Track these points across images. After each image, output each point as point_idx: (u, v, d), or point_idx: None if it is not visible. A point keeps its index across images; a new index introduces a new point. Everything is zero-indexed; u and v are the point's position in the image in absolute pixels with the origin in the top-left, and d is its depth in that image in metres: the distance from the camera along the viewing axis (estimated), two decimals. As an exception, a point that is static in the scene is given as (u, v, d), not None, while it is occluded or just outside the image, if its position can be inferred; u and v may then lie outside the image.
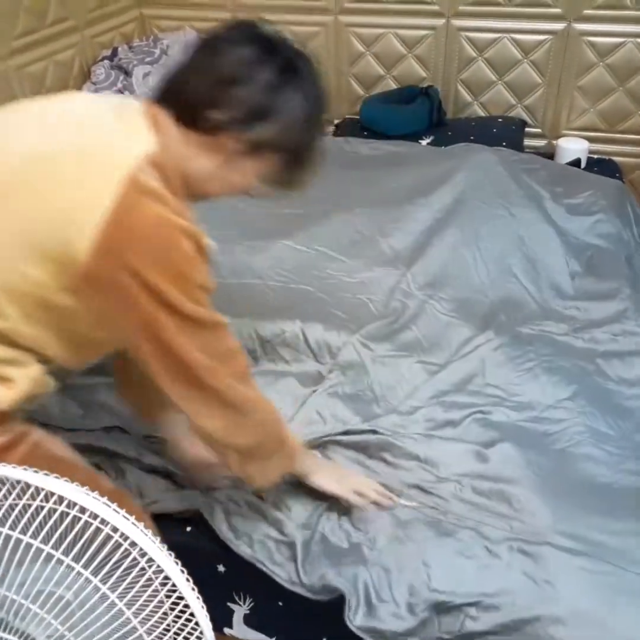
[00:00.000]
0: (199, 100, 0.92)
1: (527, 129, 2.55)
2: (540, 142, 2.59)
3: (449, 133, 2.47)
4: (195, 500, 1.21)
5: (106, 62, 2.44)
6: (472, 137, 2.37)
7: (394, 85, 2.65)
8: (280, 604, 1.17)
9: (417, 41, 2.54)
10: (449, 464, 1.23)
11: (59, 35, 2.27)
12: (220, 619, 1.23)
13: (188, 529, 1.20)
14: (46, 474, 0.63)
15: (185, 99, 0.93)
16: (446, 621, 1.05)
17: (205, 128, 0.93)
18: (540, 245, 1.84)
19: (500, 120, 2.54)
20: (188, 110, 0.92)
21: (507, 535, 1.12)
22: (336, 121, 2.73)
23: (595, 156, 2.48)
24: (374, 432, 1.29)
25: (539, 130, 2.58)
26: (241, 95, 0.91)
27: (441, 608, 1.05)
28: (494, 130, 2.46)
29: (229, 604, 1.22)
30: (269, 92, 0.92)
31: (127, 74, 2.41)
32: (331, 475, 1.17)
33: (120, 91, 2.36)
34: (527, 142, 2.52)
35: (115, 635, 0.61)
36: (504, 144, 2.33)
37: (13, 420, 0.94)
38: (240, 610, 1.23)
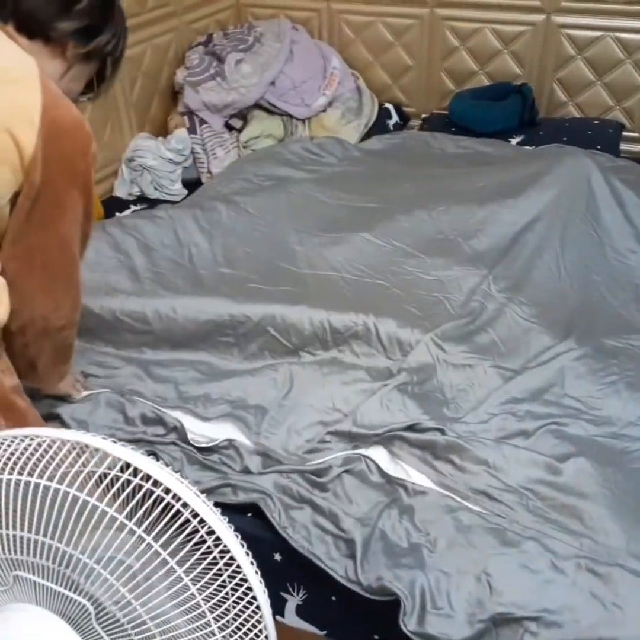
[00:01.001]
0: (48, 12, 1.04)
1: (624, 133, 2.44)
2: (638, 147, 2.47)
3: (541, 133, 2.39)
4: (251, 494, 1.22)
5: (201, 48, 2.49)
6: (564, 138, 2.29)
7: (486, 82, 2.59)
8: (334, 598, 1.17)
9: (514, 37, 2.47)
10: (519, 472, 1.20)
11: (159, 20, 2.33)
12: (273, 606, 1.24)
13: (248, 514, 1.21)
14: (123, 445, 0.64)
15: (30, 12, 1.04)
16: (504, 634, 1.02)
17: (52, 37, 1.06)
18: (627, 259, 1.76)
19: (596, 122, 2.45)
20: (35, 22, 1.04)
21: (576, 552, 1.08)
22: (424, 115, 2.70)
23: (697, 164, 2.34)
24: (442, 432, 1.27)
25: (637, 134, 2.47)
26: (85, 7, 1.06)
27: (500, 620, 1.02)
28: (589, 132, 2.37)
29: (282, 593, 1.23)
30: (104, 4, 1.10)
31: (220, 60, 2.45)
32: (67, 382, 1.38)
33: (213, 77, 2.40)
34: (623, 146, 2.41)
35: (179, 609, 0.62)
36: (599, 147, 2.24)
37: None
38: (293, 601, 1.23)
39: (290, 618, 1.25)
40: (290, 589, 1.22)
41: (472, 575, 1.07)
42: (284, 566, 1.20)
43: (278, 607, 1.24)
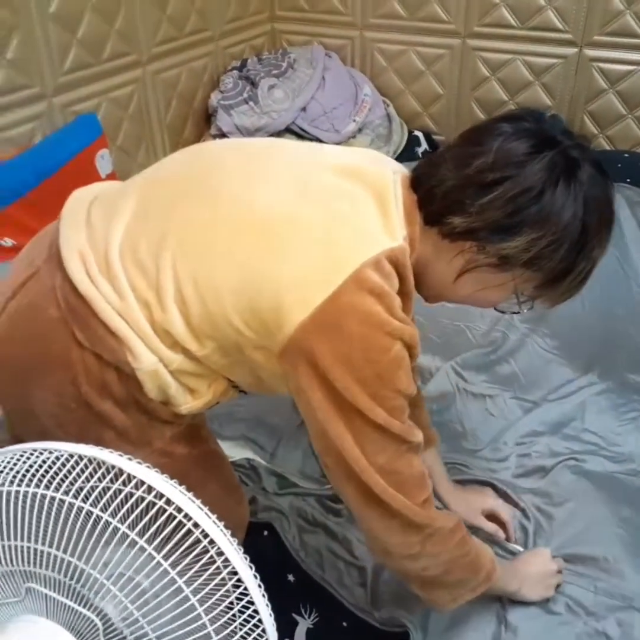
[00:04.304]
0: (441, 201, 0.84)
1: (654, 167, 2.43)
2: (669, 182, 2.46)
3: (570, 164, 2.39)
4: (270, 512, 1.22)
5: (235, 72, 2.54)
6: (594, 171, 2.28)
7: (516, 112, 2.60)
8: (345, 624, 1.16)
9: (546, 69, 2.48)
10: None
11: (195, 45, 2.39)
12: (283, 628, 1.23)
13: (265, 533, 1.22)
14: (139, 463, 0.65)
15: (429, 194, 0.85)
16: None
17: (444, 232, 0.85)
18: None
19: (626, 155, 2.43)
20: (429, 208, 0.85)
21: (592, 595, 1.06)
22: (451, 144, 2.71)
23: None
24: (462, 468, 1.26)
25: (668, 168, 2.45)
26: (484, 204, 0.80)
27: (513, 657, 1.01)
28: (619, 165, 2.35)
29: (294, 614, 1.22)
30: (525, 201, 0.80)
31: (254, 85, 2.50)
32: (534, 583, 1.07)
33: (246, 101, 2.45)
34: (653, 180, 2.40)
35: (185, 629, 0.62)
36: (628, 180, 2.22)
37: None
38: (304, 623, 1.22)
39: (300, 641, 1.24)
40: (303, 611, 1.21)
41: (488, 614, 1.06)
42: (297, 587, 1.19)
43: (289, 630, 1.23)
